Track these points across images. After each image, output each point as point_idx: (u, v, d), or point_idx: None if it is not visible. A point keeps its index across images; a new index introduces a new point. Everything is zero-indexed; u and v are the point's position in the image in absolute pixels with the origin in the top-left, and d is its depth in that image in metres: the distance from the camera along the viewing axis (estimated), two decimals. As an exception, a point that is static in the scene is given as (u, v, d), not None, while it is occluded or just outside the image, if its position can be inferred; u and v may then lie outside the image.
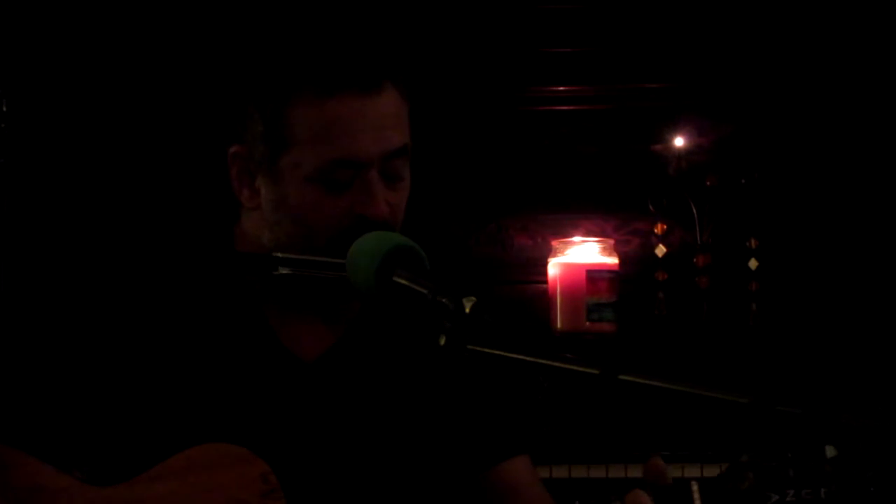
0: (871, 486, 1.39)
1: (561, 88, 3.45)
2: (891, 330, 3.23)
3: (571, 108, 3.45)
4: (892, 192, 3.32)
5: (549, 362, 1.38)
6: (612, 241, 3.33)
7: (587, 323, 3.23)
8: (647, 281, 3.37)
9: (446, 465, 1.79)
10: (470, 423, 1.81)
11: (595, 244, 3.30)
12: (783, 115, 3.37)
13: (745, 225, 3.36)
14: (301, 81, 1.68)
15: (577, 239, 3.33)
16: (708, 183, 3.36)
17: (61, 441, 1.69)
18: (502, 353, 1.40)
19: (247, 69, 1.77)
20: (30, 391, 1.70)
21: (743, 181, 3.35)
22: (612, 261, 3.28)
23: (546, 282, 3.30)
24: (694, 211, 3.36)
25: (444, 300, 1.42)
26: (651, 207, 3.39)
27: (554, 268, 3.29)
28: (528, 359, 1.39)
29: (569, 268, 3.26)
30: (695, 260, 3.36)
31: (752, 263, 3.34)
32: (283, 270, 1.64)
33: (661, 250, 3.37)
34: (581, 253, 3.28)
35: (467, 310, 1.41)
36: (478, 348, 1.40)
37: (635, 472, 2.97)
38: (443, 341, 1.41)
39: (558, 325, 3.25)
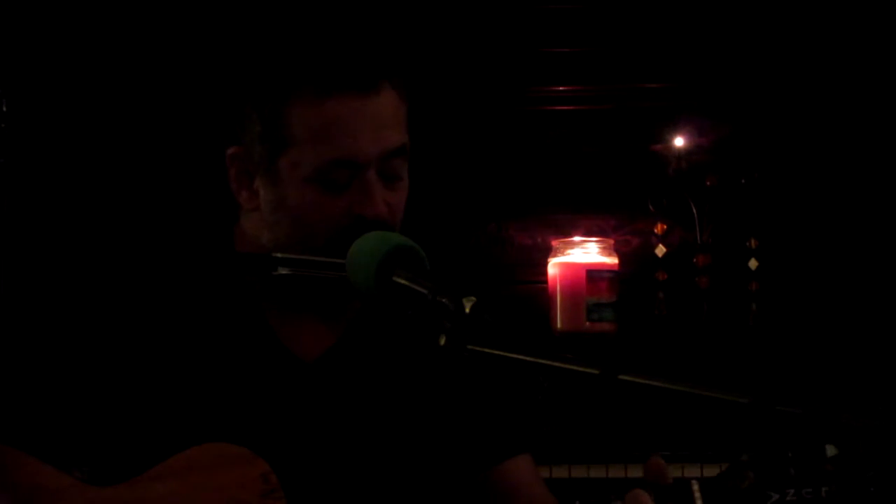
0: (871, 486, 1.39)
1: (561, 88, 3.46)
2: (891, 330, 3.23)
3: (571, 108, 3.45)
4: (892, 192, 3.32)
5: (549, 362, 1.38)
6: (612, 241, 3.33)
7: (587, 323, 3.23)
8: (647, 281, 3.37)
9: (447, 464, 1.79)
10: (471, 423, 1.81)
11: (595, 244, 3.30)
12: (783, 115, 3.37)
13: (745, 225, 3.36)
14: (299, 82, 1.68)
15: (577, 239, 3.33)
16: (708, 183, 3.36)
17: (61, 441, 1.69)
18: (502, 353, 1.40)
19: (244, 70, 1.77)
20: (30, 391, 1.70)
21: (743, 181, 3.35)
22: (612, 261, 3.28)
23: (546, 282, 3.30)
24: (694, 211, 3.36)
25: (444, 300, 1.42)
26: (651, 207, 3.39)
27: (554, 268, 3.29)
28: (528, 359, 1.39)
29: (569, 268, 3.26)
30: (695, 260, 3.36)
31: (752, 263, 3.34)
32: (283, 271, 1.64)
33: (661, 250, 3.37)
34: (581, 253, 3.28)
35: (467, 310, 1.41)
36: (478, 348, 1.40)
37: (635, 472, 2.97)
38: (443, 341, 1.41)
39: (558, 325, 3.25)
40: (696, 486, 1.47)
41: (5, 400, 1.69)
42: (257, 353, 1.74)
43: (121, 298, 1.74)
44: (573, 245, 3.31)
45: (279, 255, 1.65)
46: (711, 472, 2.66)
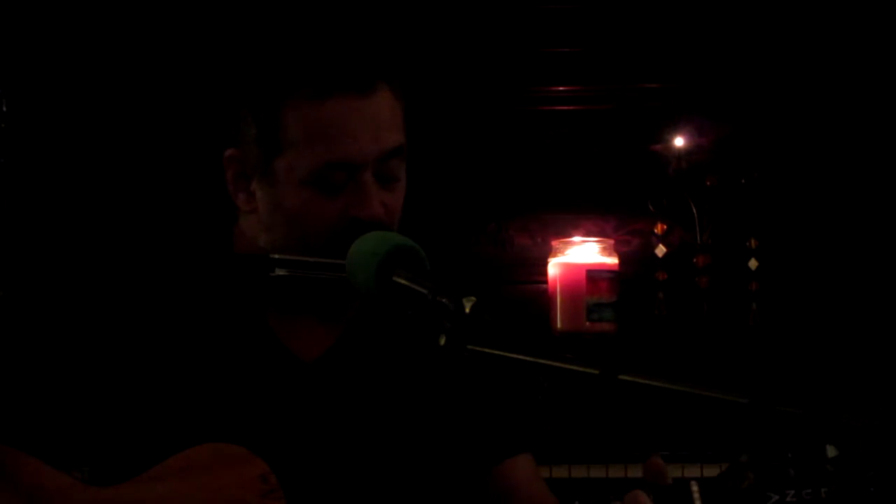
0: (871, 486, 1.39)
1: (561, 88, 3.46)
2: (891, 330, 3.23)
3: (571, 108, 3.45)
4: (892, 192, 3.32)
5: (549, 362, 1.38)
6: (612, 241, 3.34)
7: (587, 323, 3.23)
8: (647, 281, 3.37)
9: (447, 464, 1.79)
10: (471, 423, 1.81)
11: (595, 244, 3.30)
12: (783, 115, 3.38)
13: (745, 225, 3.36)
14: (294, 83, 1.68)
15: (577, 239, 3.33)
16: (708, 183, 3.36)
17: (62, 441, 1.69)
18: (502, 353, 1.40)
19: (240, 72, 1.77)
20: (30, 392, 1.70)
21: (743, 181, 3.35)
22: (612, 261, 3.28)
23: (546, 282, 3.30)
24: (694, 211, 3.36)
25: (444, 300, 1.42)
26: (651, 207, 3.39)
27: (554, 268, 3.29)
28: (528, 359, 1.39)
29: (569, 268, 3.26)
30: (695, 260, 3.36)
31: (752, 263, 3.34)
32: (281, 272, 1.64)
33: (661, 250, 3.37)
34: (581, 253, 3.28)
35: (467, 310, 1.41)
36: (478, 348, 1.40)
37: (635, 472, 2.97)
38: (443, 341, 1.41)
39: (558, 325, 3.25)
40: (695, 487, 1.46)
41: (6, 400, 1.69)
42: (257, 353, 1.74)
43: (120, 298, 1.74)
44: (573, 245, 3.31)
45: (277, 256, 1.65)
46: (711, 472, 2.66)
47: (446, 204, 3.39)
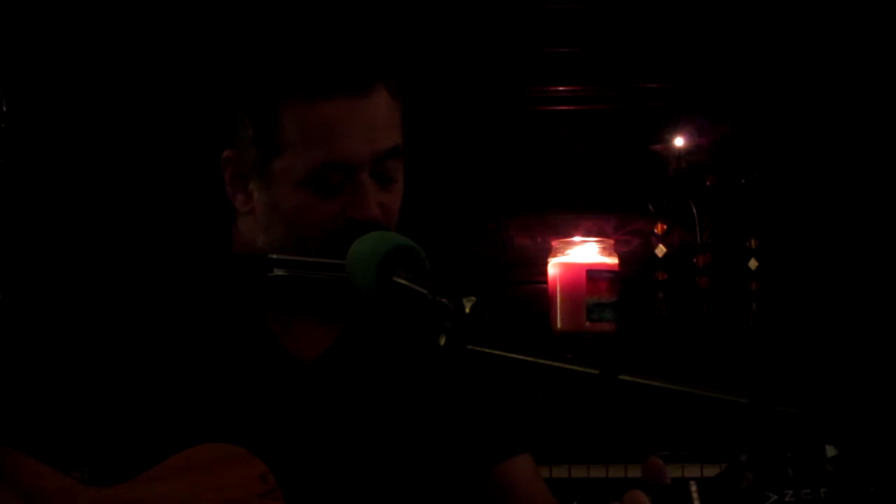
0: (871, 486, 1.39)
1: (561, 88, 3.46)
2: (891, 330, 3.23)
3: (571, 108, 3.45)
4: (892, 192, 3.32)
5: (549, 362, 1.38)
6: (612, 241, 3.34)
7: (587, 323, 3.23)
8: (647, 281, 3.37)
9: (446, 464, 1.79)
10: (470, 422, 1.81)
11: (595, 244, 3.30)
12: (783, 115, 3.37)
13: (745, 225, 3.36)
14: (290, 85, 1.68)
15: (577, 239, 3.33)
16: (708, 183, 3.36)
17: (61, 442, 1.69)
18: (502, 353, 1.40)
19: (237, 73, 1.77)
20: (30, 393, 1.70)
21: (743, 181, 3.35)
22: (612, 261, 3.28)
23: (546, 282, 3.30)
24: (694, 211, 3.36)
25: (444, 300, 1.42)
26: (651, 207, 3.39)
27: (554, 268, 3.29)
28: (528, 359, 1.39)
29: (569, 268, 3.26)
30: (695, 260, 3.36)
31: (752, 263, 3.34)
32: (279, 272, 1.64)
33: (661, 250, 3.37)
34: (581, 253, 3.28)
35: (467, 310, 1.40)
36: (478, 348, 1.40)
37: (635, 472, 2.97)
38: (443, 341, 1.41)
39: (558, 325, 3.25)
40: (693, 487, 1.46)
41: (5, 401, 1.69)
42: (256, 353, 1.74)
43: (119, 299, 1.74)
44: (573, 245, 3.31)
45: (275, 256, 1.65)
46: (711, 472, 2.66)
47: (446, 204, 3.39)
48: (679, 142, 3.37)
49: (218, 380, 1.71)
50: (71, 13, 3.33)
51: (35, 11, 3.32)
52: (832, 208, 3.34)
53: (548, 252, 3.33)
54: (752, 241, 3.35)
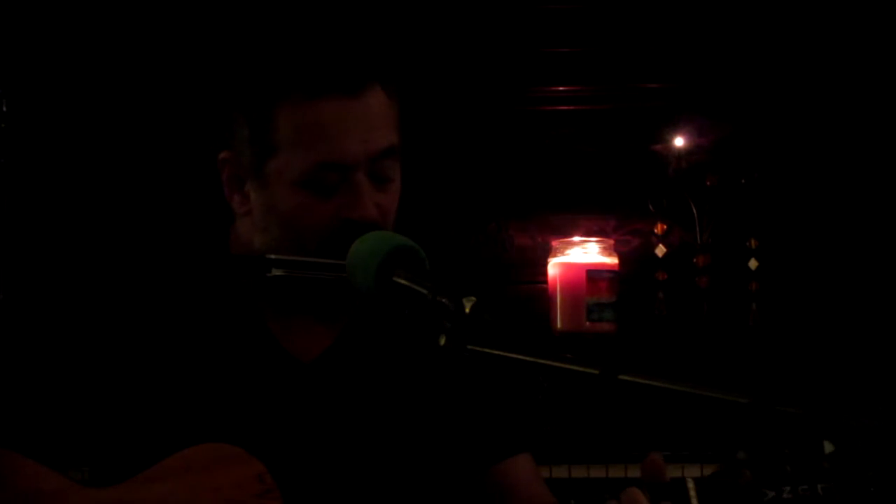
0: (871, 486, 1.39)
1: (561, 88, 3.46)
2: (891, 330, 3.23)
3: (571, 108, 3.45)
4: (892, 192, 3.32)
5: (549, 362, 1.38)
6: (612, 241, 3.34)
7: (587, 323, 3.23)
8: (647, 281, 3.37)
9: (446, 464, 1.79)
10: (470, 422, 1.81)
11: (595, 244, 3.30)
12: (783, 115, 3.38)
13: (745, 225, 3.36)
14: (285, 85, 1.68)
15: (577, 239, 3.33)
16: (708, 183, 3.36)
17: (59, 443, 1.69)
18: (502, 353, 1.40)
19: (232, 74, 1.77)
20: (27, 394, 1.70)
21: (743, 181, 3.35)
22: (612, 261, 3.28)
23: (546, 282, 3.30)
24: (694, 211, 3.36)
25: (444, 300, 1.42)
26: (651, 207, 3.39)
27: (554, 268, 3.29)
28: (528, 359, 1.39)
29: (569, 268, 3.26)
30: (695, 260, 3.36)
31: (752, 263, 3.34)
32: (277, 272, 1.64)
33: (661, 250, 3.37)
34: (581, 253, 3.28)
35: (467, 310, 1.40)
36: (478, 348, 1.40)
37: (635, 472, 2.96)
38: (443, 341, 1.40)
39: (558, 325, 3.25)
40: (691, 485, 1.46)
41: (3, 402, 1.69)
42: (255, 353, 1.74)
43: (118, 300, 1.74)
44: (573, 245, 3.31)
45: (273, 256, 1.65)
46: (711, 472, 2.66)
47: (446, 204, 3.39)
48: (679, 142, 3.37)
49: (217, 380, 1.71)
50: (70, 14, 3.34)
51: (35, 11, 3.33)
52: (832, 208, 3.34)
53: (548, 252, 3.33)
54: (752, 241, 3.35)
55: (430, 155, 3.34)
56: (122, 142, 3.34)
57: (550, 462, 2.96)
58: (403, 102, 1.77)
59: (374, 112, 1.69)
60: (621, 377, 1.34)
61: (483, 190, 3.42)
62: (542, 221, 3.43)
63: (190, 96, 3.27)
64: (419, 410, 1.78)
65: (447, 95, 3.39)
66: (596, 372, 1.35)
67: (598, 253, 3.28)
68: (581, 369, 1.36)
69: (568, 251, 3.30)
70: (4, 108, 3.26)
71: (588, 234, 3.36)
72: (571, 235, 3.35)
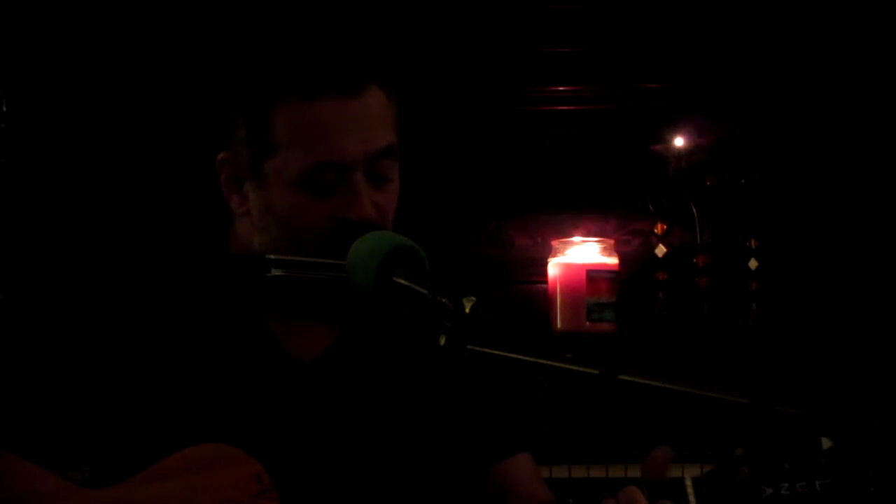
0: (871, 486, 1.39)
1: (561, 88, 3.46)
2: (891, 330, 3.23)
3: (571, 108, 3.45)
4: (892, 192, 3.32)
5: (549, 362, 1.38)
6: (612, 241, 3.34)
7: (587, 323, 3.23)
8: (647, 281, 3.37)
9: (445, 464, 1.79)
10: (470, 422, 1.81)
11: (595, 244, 3.30)
12: (783, 115, 3.38)
13: (745, 225, 3.36)
14: (283, 86, 1.68)
15: (577, 239, 3.33)
16: (708, 183, 3.36)
17: (57, 444, 1.69)
18: (502, 353, 1.40)
19: (230, 74, 1.77)
20: (25, 394, 1.70)
21: (743, 181, 3.35)
22: (612, 261, 3.28)
23: (546, 282, 3.30)
24: (694, 211, 3.36)
25: (444, 300, 1.42)
26: (651, 207, 3.39)
27: (554, 268, 3.29)
28: (528, 359, 1.39)
29: (569, 268, 3.26)
30: (695, 260, 3.36)
31: (752, 263, 3.34)
32: (276, 272, 1.64)
33: (661, 250, 3.37)
34: (581, 253, 3.28)
35: (467, 310, 1.40)
36: (478, 348, 1.40)
37: (635, 472, 2.97)
38: (443, 341, 1.40)
39: (558, 325, 3.25)
40: (689, 482, 1.46)
41: (0, 403, 1.69)
42: (254, 353, 1.74)
43: (117, 300, 1.74)
44: (573, 245, 3.31)
45: (273, 256, 1.65)
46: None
47: (446, 204, 3.39)
48: (679, 142, 3.37)
49: (217, 380, 1.71)
50: (70, 14, 3.33)
51: (35, 11, 3.32)
52: (832, 208, 3.34)
53: (548, 252, 3.33)
54: (752, 241, 3.35)
55: (430, 155, 3.34)
56: (121, 142, 3.34)
57: (550, 462, 2.96)
58: (403, 102, 1.77)
59: (372, 112, 1.69)
60: (621, 377, 1.34)
61: (483, 190, 3.42)
62: (543, 221, 3.43)
63: (189, 96, 3.27)
64: (419, 410, 1.78)
65: (447, 95, 3.39)
66: (596, 372, 1.35)
67: (598, 253, 3.28)
68: (581, 369, 1.36)
69: (568, 251, 3.30)
70: (4, 108, 3.26)
71: (588, 234, 3.36)
72: (571, 235, 3.35)
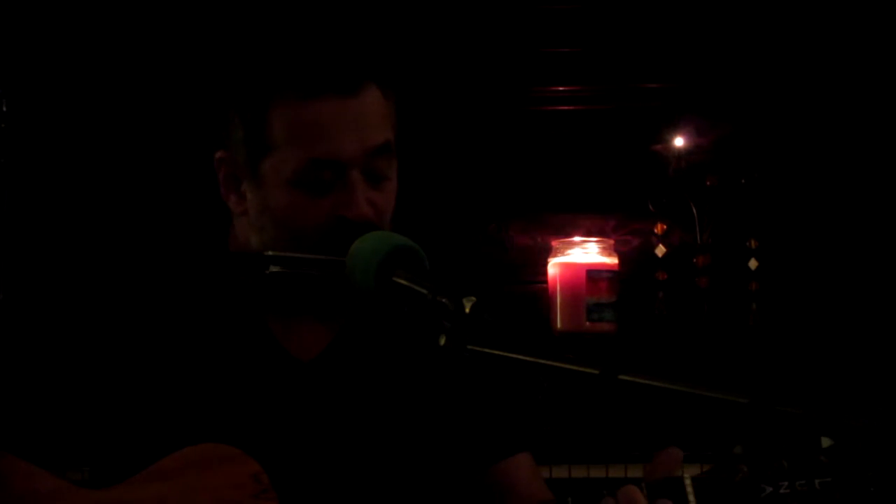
0: (871, 486, 1.39)
1: (561, 88, 3.46)
2: (891, 330, 3.23)
3: (571, 108, 3.45)
4: (892, 192, 3.32)
5: (549, 362, 1.38)
6: (612, 241, 3.34)
7: (587, 323, 3.23)
8: (647, 281, 3.37)
9: (444, 464, 1.79)
10: (469, 422, 1.81)
11: (595, 244, 3.30)
12: (783, 115, 3.37)
13: (745, 225, 3.36)
14: (279, 85, 1.68)
15: (577, 239, 3.33)
16: (708, 183, 3.36)
17: (55, 444, 1.69)
18: (502, 353, 1.40)
19: (227, 73, 1.77)
20: (23, 394, 1.70)
21: (743, 181, 3.35)
22: (612, 261, 3.28)
23: (546, 282, 3.30)
24: (694, 211, 3.36)
25: (443, 300, 1.42)
26: (651, 207, 3.39)
27: (554, 268, 3.29)
28: (528, 359, 1.39)
29: (569, 268, 3.26)
30: (695, 260, 3.36)
31: (752, 263, 3.34)
32: (274, 269, 1.64)
33: (661, 250, 3.37)
34: (581, 253, 3.28)
35: (467, 310, 1.40)
36: (478, 348, 1.40)
37: (635, 472, 2.97)
38: (443, 341, 1.40)
39: (558, 325, 3.25)
40: (688, 481, 1.46)
41: (0, 404, 1.69)
42: (254, 352, 1.74)
43: (117, 300, 1.74)
44: (573, 245, 3.31)
45: (271, 252, 1.65)
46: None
47: (446, 204, 3.39)
48: (679, 142, 3.37)
49: (216, 379, 1.71)
50: (69, 14, 3.33)
51: (35, 11, 3.33)
52: (832, 208, 3.34)
53: (548, 252, 3.33)
54: (752, 241, 3.35)
55: (431, 155, 3.34)
56: (121, 142, 3.34)
57: (550, 462, 2.96)
58: (403, 102, 1.77)
59: (369, 110, 1.69)
60: (621, 377, 1.34)
61: (483, 190, 3.42)
62: (542, 221, 3.43)
63: (187, 96, 3.27)
64: (419, 410, 1.78)
65: (447, 95, 3.39)
66: (596, 372, 1.35)
67: (598, 253, 3.28)
68: (581, 369, 1.36)
69: (568, 251, 3.30)
70: (4, 108, 3.26)
71: (588, 234, 3.36)
72: (571, 235, 3.35)
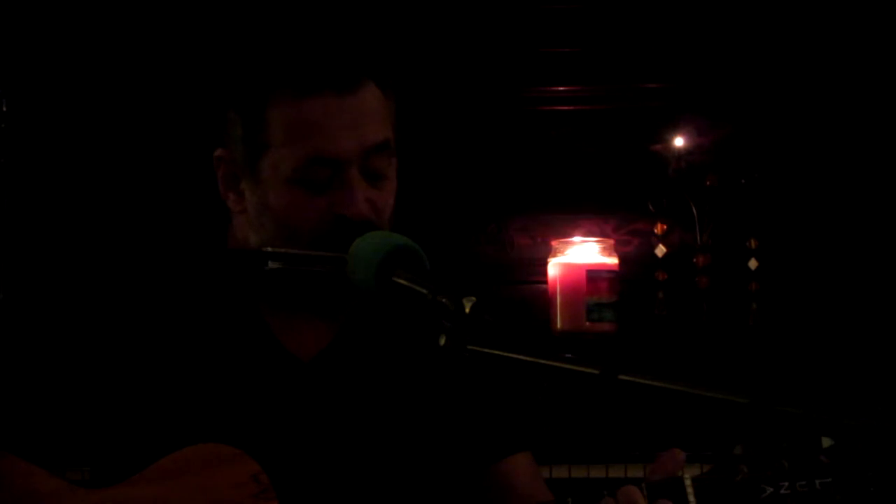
0: (871, 486, 1.39)
1: (561, 88, 3.45)
2: (891, 330, 3.23)
3: (571, 108, 3.45)
4: (892, 192, 3.31)
5: (549, 362, 1.38)
6: (612, 241, 3.33)
7: (587, 323, 3.23)
8: (647, 281, 3.37)
9: (444, 464, 1.79)
10: (469, 422, 1.81)
11: (595, 244, 3.30)
12: (783, 115, 3.37)
13: (745, 225, 3.36)
14: (277, 83, 1.68)
15: (577, 239, 3.33)
16: (708, 183, 3.36)
17: (55, 444, 1.69)
18: (502, 353, 1.40)
19: (226, 72, 1.77)
20: (23, 393, 1.70)
21: (743, 181, 3.35)
22: (612, 261, 3.28)
23: (546, 282, 3.30)
24: (694, 211, 3.36)
25: (444, 300, 1.42)
26: (651, 207, 3.39)
27: (554, 268, 3.29)
28: (528, 359, 1.39)
29: (569, 268, 3.26)
30: (695, 260, 3.36)
31: (752, 263, 3.34)
32: (273, 265, 1.64)
33: (661, 250, 3.37)
34: (581, 253, 3.28)
35: (467, 310, 1.40)
36: (478, 348, 1.40)
37: (635, 472, 2.98)
38: (443, 341, 1.40)
39: (558, 325, 3.25)
40: (688, 481, 1.46)
41: (0, 403, 1.69)
42: (254, 351, 1.74)
43: (116, 299, 1.74)
44: (573, 245, 3.31)
45: (269, 249, 1.65)
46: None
47: (446, 204, 3.39)
48: (679, 142, 3.37)
49: (216, 379, 1.71)
50: (69, 14, 3.33)
51: (35, 11, 3.32)
52: (832, 208, 3.34)
53: (548, 252, 3.33)
54: (752, 241, 3.35)
55: (430, 155, 3.34)
56: (121, 141, 3.34)
57: (550, 462, 2.96)
58: (402, 102, 1.77)
59: (367, 108, 1.69)
60: (621, 377, 1.34)
61: (483, 190, 3.42)
62: (542, 221, 3.43)
63: (186, 94, 3.27)
64: (418, 410, 1.78)
65: (447, 95, 3.39)
66: (596, 372, 1.35)
67: (598, 253, 3.28)
68: (581, 369, 1.36)
69: (568, 251, 3.29)
70: (4, 108, 3.26)
71: (588, 234, 3.36)
72: (571, 235, 3.35)
